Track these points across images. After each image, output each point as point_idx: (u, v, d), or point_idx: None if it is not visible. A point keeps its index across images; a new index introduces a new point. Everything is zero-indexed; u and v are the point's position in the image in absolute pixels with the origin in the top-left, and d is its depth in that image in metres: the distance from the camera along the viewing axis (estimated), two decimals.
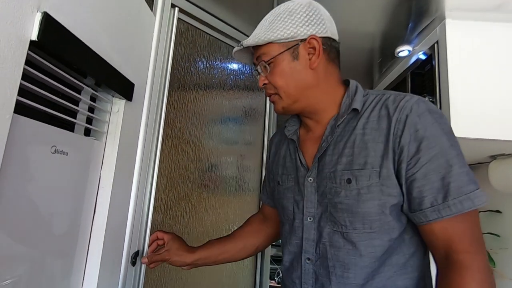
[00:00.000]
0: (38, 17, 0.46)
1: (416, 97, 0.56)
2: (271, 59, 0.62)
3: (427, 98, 1.15)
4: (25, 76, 0.49)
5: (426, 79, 1.19)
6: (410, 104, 0.54)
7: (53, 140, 0.56)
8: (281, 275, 0.70)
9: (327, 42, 0.62)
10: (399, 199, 0.54)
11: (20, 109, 0.49)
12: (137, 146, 0.83)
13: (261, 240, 0.84)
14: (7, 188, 0.45)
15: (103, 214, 0.70)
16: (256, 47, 0.65)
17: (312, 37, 0.60)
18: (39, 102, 0.52)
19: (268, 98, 0.70)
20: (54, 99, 0.56)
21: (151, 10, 0.93)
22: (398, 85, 1.37)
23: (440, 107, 1.08)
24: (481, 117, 1.00)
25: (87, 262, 0.67)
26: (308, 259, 0.60)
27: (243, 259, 0.85)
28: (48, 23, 0.47)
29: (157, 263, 0.78)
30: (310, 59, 0.61)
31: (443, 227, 0.50)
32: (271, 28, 0.61)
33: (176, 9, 1.00)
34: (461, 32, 1.06)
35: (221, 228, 1.23)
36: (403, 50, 1.29)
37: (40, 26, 0.46)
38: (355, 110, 0.60)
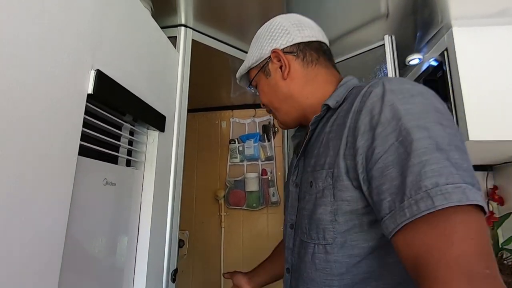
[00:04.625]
0: (92, 74, 0.56)
1: (386, 77, 0.45)
2: (252, 82, 0.67)
3: None
4: (85, 123, 0.59)
5: (439, 85, 1.21)
6: (372, 91, 0.43)
7: (104, 173, 0.65)
8: None
9: (298, 47, 0.60)
10: (354, 206, 0.43)
11: (81, 150, 0.58)
12: (170, 171, 0.92)
13: None
14: (75, 218, 0.54)
15: (146, 235, 0.78)
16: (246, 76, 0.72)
17: (273, 50, 0.60)
18: (91, 143, 0.62)
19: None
20: (104, 138, 0.66)
21: (175, 47, 1.04)
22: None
23: (456, 113, 1.09)
24: (497, 119, 1.00)
25: (134, 280, 0.74)
26: (288, 269, 0.56)
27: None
28: (101, 78, 0.57)
29: None
30: (281, 71, 0.60)
31: (404, 241, 0.35)
32: (248, 57, 0.67)
33: (195, 42, 1.11)
34: (468, 38, 1.09)
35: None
36: (414, 59, 1.32)
37: (94, 82, 0.56)
38: (329, 108, 0.54)
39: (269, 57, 0.61)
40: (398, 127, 0.38)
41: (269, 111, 0.68)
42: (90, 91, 0.56)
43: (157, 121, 0.84)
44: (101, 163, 0.64)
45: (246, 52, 0.70)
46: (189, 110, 2.08)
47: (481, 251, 0.31)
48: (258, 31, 0.67)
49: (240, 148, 1.88)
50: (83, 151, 0.60)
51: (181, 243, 1.78)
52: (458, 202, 0.32)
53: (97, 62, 0.58)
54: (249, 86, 0.70)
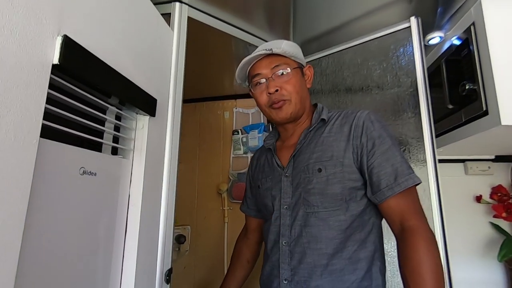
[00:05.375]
0: (58, 41, 0.47)
1: (367, 110, 0.75)
2: (290, 70, 0.77)
3: (467, 86, 1.05)
4: (50, 99, 0.50)
5: (463, 65, 1.09)
6: (364, 114, 0.74)
7: (81, 161, 0.56)
8: None
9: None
10: (356, 184, 0.70)
11: (46, 132, 0.49)
12: (163, 161, 0.83)
13: (247, 252, 0.99)
14: (38, 212, 0.45)
15: (135, 232, 0.69)
16: (275, 58, 0.78)
17: (310, 65, 0.84)
18: (65, 125, 0.53)
19: (267, 108, 0.79)
20: (80, 121, 0.57)
21: (169, 25, 0.94)
22: (431, 76, 1.27)
23: (484, 95, 0.97)
24: None
25: (122, 281, 0.66)
26: (285, 242, 0.72)
27: (250, 271, 1.00)
28: (69, 46, 0.48)
29: None
30: (307, 80, 0.83)
31: (396, 201, 0.66)
32: (293, 48, 0.79)
33: (192, 21, 1.01)
34: (501, 9, 0.95)
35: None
36: (434, 37, 1.19)
37: (61, 50, 0.46)
38: (323, 120, 0.79)
39: (303, 66, 0.83)
40: (387, 140, 0.70)
41: (278, 100, 0.76)
42: (55, 61, 0.46)
43: (147, 104, 0.74)
44: (76, 149, 0.55)
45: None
46: (189, 100, 2.01)
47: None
48: (291, 42, 0.81)
49: (244, 139, 1.78)
50: (52, 134, 0.51)
51: (182, 239, 1.71)
52: (419, 181, 0.66)
53: (66, 26, 0.48)
54: (281, 70, 0.78)
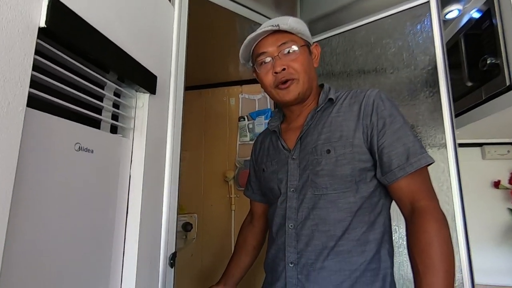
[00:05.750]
0: (45, 2, 0.43)
1: (376, 89, 0.72)
2: (298, 48, 0.73)
3: (489, 61, 0.98)
4: (41, 69, 0.46)
5: (484, 39, 1.01)
6: (374, 93, 0.70)
7: (76, 137, 0.53)
8: None
9: None
10: (366, 165, 0.67)
11: (38, 104, 0.46)
12: (166, 142, 0.79)
13: (252, 239, 0.97)
14: (27, 184, 0.42)
15: (136, 214, 0.66)
16: (281, 35, 0.74)
17: (317, 44, 0.80)
18: (60, 98, 0.50)
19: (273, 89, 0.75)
20: (75, 93, 0.53)
21: (169, 1, 0.90)
22: (449, 52, 1.19)
23: (508, 68, 0.90)
24: None
25: (124, 263, 0.64)
26: (292, 225, 0.70)
27: (255, 258, 0.98)
28: (57, 8, 0.44)
29: None
30: (314, 58, 0.79)
31: (407, 181, 0.63)
32: (299, 25, 0.75)
33: None
34: None
35: None
36: (452, 11, 1.12)
37: (48, 12, 0.43)
38: (330, 100, 0.75)
39: (311, 44, 0.78)
40: (398, 119, 0.67)
41: (285, 79, 0.73)
42: (42, 23, 0.43)
43: (146, 80, 0.71)
44: (71, 123, 0.52)
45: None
46: (194, 87, 1.97)
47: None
48: (297, 19, 0.76)
49: (250, 126, 1.74)
50: (45, 107, 0.47)
51: (188, 226, 1.69)
52: (432, 160, 0.63)
53: None
54: (288, 48, 0.74)
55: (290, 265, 0.68)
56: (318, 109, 0.74)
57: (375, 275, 0.64)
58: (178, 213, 0.80)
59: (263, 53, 0.73)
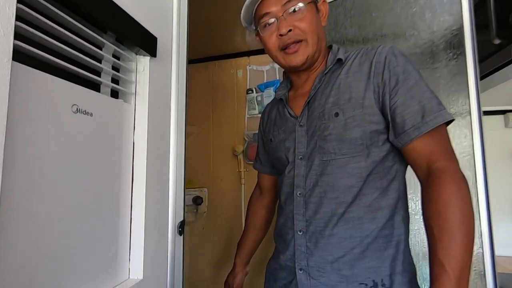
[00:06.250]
0: None
1: (389, 45, 0.65)
2: (304, 6, 0.66)
3: None
4: (29, 22, 0.43)
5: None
6: (386, 49, 0.64)
7: (73, 98, 0.50)
8: None
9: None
10: (378, 127, 0.62)
11: (30, 60, 0.43)
12: (169, 108, 0.76)
13: (264, 213, 0.96)
14: (20, 143, 0.40)
15: (141, 181, 0.65)
16: None
17: (324, 0, 0.73)
18: (58, 58, 0.47)
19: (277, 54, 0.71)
20: (71, 52, 0.50)
21: None
22: (476, 11, 1.08)
23: None
24: None
25: (131, 230, 0.63)
26: (300, 193, 0.67)
27: (266, 232, 0.99)
28: None
29: None
30: (322, 16, 0.72)
31: (423, 142, 0.58)
32: None
33: None
34: None
35: None
36: None
37: None
38: (339, 60, 0.69)
39: (320, 1, 0.72)
40: (413, 75, 0.61)
41: (292, 42, 0.68)
42: None
43: (146, 42, 0.66)
44: (67, 83, 0.49)
45: None
46: (200, 60, 1.90)
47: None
48: None
49: (259, 98, 1.69)
50: (39, 64, 0.44)
51: (199, 200, 1.71)
52: (450, 117, 0.58)
53: None
54: (293, 7, 0.68)
55: (299, 233, 0.66)
56: (326, 71, 0.69)
57: (387, 241, 0.61)
58: (185, 181, 0.78)
59: (266, 13, 0.68)
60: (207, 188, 1.79)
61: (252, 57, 1.78)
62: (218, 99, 1.84)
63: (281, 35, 0.66)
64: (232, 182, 1.76)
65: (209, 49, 1.81)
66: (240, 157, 1.73)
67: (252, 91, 1.71)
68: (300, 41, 0.67)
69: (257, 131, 1.68)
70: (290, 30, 0.66)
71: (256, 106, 1.69)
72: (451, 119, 0.57)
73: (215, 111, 1.84)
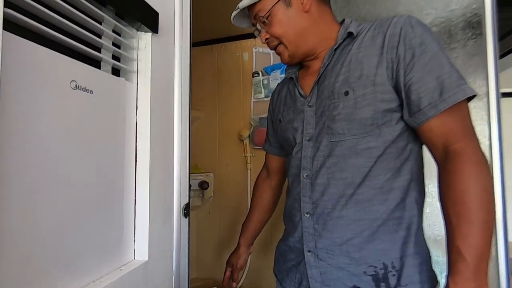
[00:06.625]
0: None
1: (406, 14, 0.60)
2: (267, 12, 0.67)
3: None
4: None
5: None
6: (403, 19, 0.59)
7: (72, 74, 0.48)
8: None
9: None
10: (391, 105, 0.59)
11: (33, 36, 0.41)
12: (173, 88, 0.74)
13: (270, 195, 0.95)
14: (14, 116, 0.38)
15: (145, 163, 0.63)
16: (251, 7, 0.71)
17: None
18: (53, 30, 0.44)
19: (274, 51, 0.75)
20: (68, 25, 0.47)
21: None
22: None
23: None
24: None
25: (136, 212, 0.62)
26: (306, 175, 0.66)
27: (272, 214, 0.98)
28: None
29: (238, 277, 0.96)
30: (302, 3, 0.66)
31: (440, 121, 0.54)
32: None
33: None
34: None
35: None
36: None
37: None
38: (350, 34, 0.65)
39: None
40: (431, 47, 0.56)
41: (274, 47, 0.72)
42: None
43: (147, 16, 0.63)
44: (64, 57, 0.47)
45: None
46: (205, 42, 1.85)
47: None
48: None
49: (265, 82, 1.64)
50: (34, 37, 0.42)
51: (205, 185, 1.71)
52: (472, 93, 0.53)
53: None
54: (255, 22, 0.72)
55: (306, 215, 0.65)
56: (336, 46, 0.66)
57: (398, 224, 0.59)
58: (190, 163, 0.77)
59: (253, 24, 0.75)
60: (213, 173, 1.79)
61: (258, 39, 1.72)
62: (223, 83, 1.80)
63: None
64: (238, 167, 1.75)
65: (214, 31, 1.76)
66: (246, 141, 1.71)
67: (258, 74, 1.67)
68: (278, 44, 0.70)
69: (263, 116, 1.66)
70: (267, 39, 0.72)
71: (263, 90, 1.65)
72: (473, 94, 0.53)
73: (220, 95, 1.81)
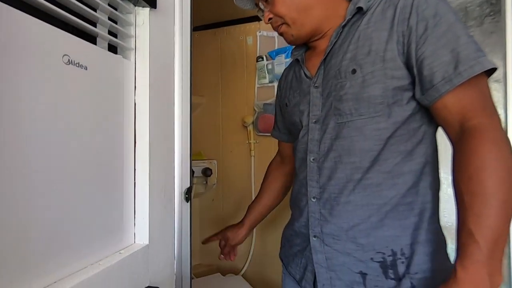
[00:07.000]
0: None
1: None
2: None
3: None
4: None
5: None
6: None
7: (64, 48, 0.45)
8: None
9: None
10: (402, 82, 0.55)
11: (21, 5, 0.38)
12: (173, 68, 0.71)
13: (283, 180, 0.93)
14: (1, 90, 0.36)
15: (144, 145, 0.61)
16: None
17: None
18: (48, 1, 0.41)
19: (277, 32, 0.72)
20: None
21: None
22: None
23: None
24: None
25: (136, 195, 0.61)
26: (313, 159, 0.64)
27: (281, 200, 0.96)
28: None
29: (233, 252, 0.95)
30: None
31: (455, 97, 0.50)
32: None
33: None
34: None
35: None
36: None
37: None
38: (360, 9, 0.61)
39: None
40: (446, 18, 0.51)
41: (277, 27, 0.70)
42: None
43: None
44: (55, 29, 0.44)
45: None
46: (208, 26, 1.80)
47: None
48: None
49: (269, 66, 1.60)
50: (34, 12, 0.39)
51: (208, 171, 1.69)
52: (491, 65, 0.48)
53: None
54: (258, 2, 0.71)
55: (313, 200, 0.63)
56: (344, 23, 0.63)
57: (409, 209, 0.56)
58: (191, 146, 0.75)
59: (256, 4, 0.73)
60: (216, 160, 1.77)
61: (263, 22, 1.67)
62: (227, 68, 1.76)
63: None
64: (241, 154, 1.73)
65: (216, 14, 1.71)
66: (250, 128, 1.68)
67: (263, 58, 1.62)
68: (281, 24, 0.68)
69: (267, 101, 1.62)
70: (270, 19, 0.69)
71: (267, 75, 1.61)
72: (492, 67, 0.48)
73: (223, 81, 1.77)
